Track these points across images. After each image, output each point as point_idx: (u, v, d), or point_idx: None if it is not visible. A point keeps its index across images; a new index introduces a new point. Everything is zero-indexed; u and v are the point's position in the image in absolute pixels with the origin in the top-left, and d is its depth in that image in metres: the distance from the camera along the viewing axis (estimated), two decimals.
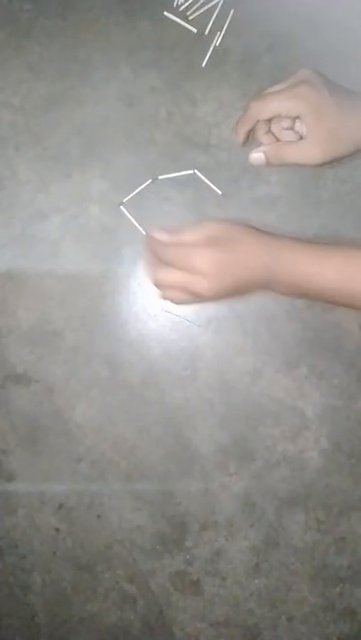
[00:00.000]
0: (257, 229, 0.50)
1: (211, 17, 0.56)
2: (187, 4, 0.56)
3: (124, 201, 0.58)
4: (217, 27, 0.56)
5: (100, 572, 0.61)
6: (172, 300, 0.52)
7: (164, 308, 0.59)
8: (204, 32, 0.56)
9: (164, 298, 0.51)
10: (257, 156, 0.51)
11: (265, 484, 0.59)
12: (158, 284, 0.51)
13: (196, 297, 0.50)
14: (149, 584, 0.61)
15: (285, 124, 0.50)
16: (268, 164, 0.51)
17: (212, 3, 0.56)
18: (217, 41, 0.56)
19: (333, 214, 0.57)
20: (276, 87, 0.49)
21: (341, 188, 0.57)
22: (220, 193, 0.57)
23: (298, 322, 0.58)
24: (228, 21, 0.56)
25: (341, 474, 0.59)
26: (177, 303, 0.52)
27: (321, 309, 0.56)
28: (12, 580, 0.62)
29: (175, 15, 0.56)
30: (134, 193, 0.57)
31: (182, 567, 0.61)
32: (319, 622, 0.60)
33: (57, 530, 0.61)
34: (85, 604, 0.62)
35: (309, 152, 0.49)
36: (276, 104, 0.48)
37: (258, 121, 0.49)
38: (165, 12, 0.56)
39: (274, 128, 0.50)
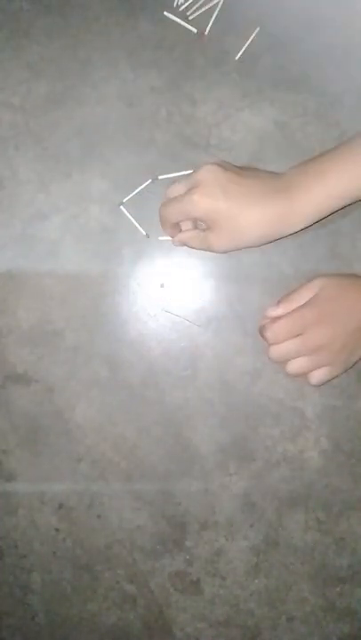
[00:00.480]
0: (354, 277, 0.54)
1: (211, 17, 0.56)
2: (187, 4, 0.56)
3: (124, 201, 0.58)
4: (217, 27, 0.56)
5: (100, 572, 0.61)
6: (301, 373, 0.54)
7: (164, 307, 0.59)
8: (204, 32, 0.56)
9: (295, 371, 0.54)
10: (174, 241, 0.55)
11: (265, 484, 0.59)
12: (284, 358, 0.53)
13: (319, 357, 0.52)
14: (149, 584, 0.61)
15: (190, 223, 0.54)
16: (180, 245, 0.55)
17: (212, 3, 0.56)
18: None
19: (333, 214, 0.57)
20: (178, 188, 0.52)
21: None
22: None
23: None
24: (217, 10, 0.56)
25: (341, 474, 0.59)
26: (300, 371, 0.54)
27: None
28: (12, 580, 0.62)
29: (175, 15, 0.56)
30: (134, 193, 0.57)
31: (182, 567, 0.61)
32: (319, 622, 0.60)
33: (57, 530, 0.61)
34: (85, 604, 0.62)
35: (212, 244, 0.52)
36: (175, 212, 0.52)
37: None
38: (165, 12, 0.56)
39: (182, 225, 0.55)
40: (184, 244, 0.54)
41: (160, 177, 0.57)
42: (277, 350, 0.53)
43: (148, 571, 0.61)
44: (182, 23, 0.56)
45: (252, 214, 0.49)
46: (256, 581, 0.60)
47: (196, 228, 0.54)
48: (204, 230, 0.52)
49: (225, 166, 0.51)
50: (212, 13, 0.56)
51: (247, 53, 0.56)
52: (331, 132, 0.56)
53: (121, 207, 0.58)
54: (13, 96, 0.58)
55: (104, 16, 0.57)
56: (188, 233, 0.53)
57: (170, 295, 0.59)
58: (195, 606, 0.61)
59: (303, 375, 0.54)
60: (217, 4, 0.56)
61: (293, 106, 0.56)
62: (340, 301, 0.52)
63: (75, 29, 0.58)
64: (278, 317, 0.52)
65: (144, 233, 0.58)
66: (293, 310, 0.52)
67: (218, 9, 0.56)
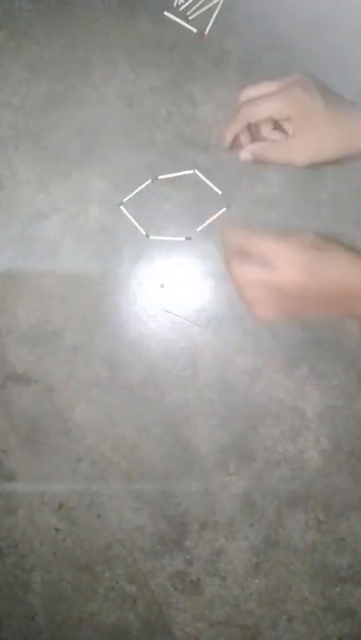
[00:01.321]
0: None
1: (211, 17, 0.56)
2: (187, 4, 0.56)
3: (124, 201, 0.58)
4: (217, 27, 0.56)
5: (100, 572, 0.61)
6: (254, 302, 0.49)
7: (164, 307, 0.59)
8: (204, 32, 0.56)
9: (244, 296, 0.48)
10: (244, 154, 0.50)
11: (265, 484, 0.59)
12: (243, 281, 0.48)
13: (281, 297, 0.48)
14: (149, 584, 0.61)
15: (271, 125, 0.50)
16: (255, 161, 0.51)
17: (212, 3, 0.56)
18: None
19: (333, 214, 0.57)
20: (268, 85, 0.49)
21: (341, 188, 0.57)
22: (220, 193, 0.57)
23: (298, 322, 0.58)
24: (217, 10, 0.56)
25: (341, 474, 0.59)
26: (258, 306, 0.50)
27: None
28: (12, 580, 0.62)
29: (175, 15, 0.56)
30: (134, 193, 0.57)
31: (182, 567, 0.61)
32: (319, 622, 0.60)
33: (57, 530, 0.61)
34: (85, 604, 0.62)
35: (294, 153, 0.49)
36: (266, 106, 0.48)
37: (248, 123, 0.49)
38: (165, 12, 0.56)
39: (262, 129, 0.50)
40: (257, 156, 0.51)
41: (160, 177, 0.57)
42: (247, 290, 0.48)
43: (148, 571, 0.61)
44: (182, 23, 0.56)
45: (341, 121, 0.48)
46: (256, 581, 0.60)
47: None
48: (285, 138, 0.50)
49: (312, 75, 0.49)
50: (212, 13, 0.56)
51: (247, 53, 0.56)
52: None
53: (121, 207, 0.58)
54: (13, 96, 0.58)
55: (104, 16, 0.57)
56: (266, 143, 0.50)
57: (170, 295, 0.59)
58: (195, 606, 0.61)
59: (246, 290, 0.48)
60: (217, 4, 0.56)
61: None
62: (329, 249, 0.49)
63: (75, 29, 0.58)
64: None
65: (144, 233, 0.58)
66: (275, 242, 0.46)
67: (218, 9, 0.56)
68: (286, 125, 0.49)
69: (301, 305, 0.49)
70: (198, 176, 0.57)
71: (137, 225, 0.58)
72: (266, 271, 0.47)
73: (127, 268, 0.59)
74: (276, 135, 0.50)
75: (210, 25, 0.56)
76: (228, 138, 0.50)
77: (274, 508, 0.59)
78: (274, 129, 0.50)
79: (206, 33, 0.56)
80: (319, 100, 0.47)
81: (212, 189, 0.57)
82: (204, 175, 0.57)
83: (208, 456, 0.59)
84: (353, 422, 0.58)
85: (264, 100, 0.48)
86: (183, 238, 0.57)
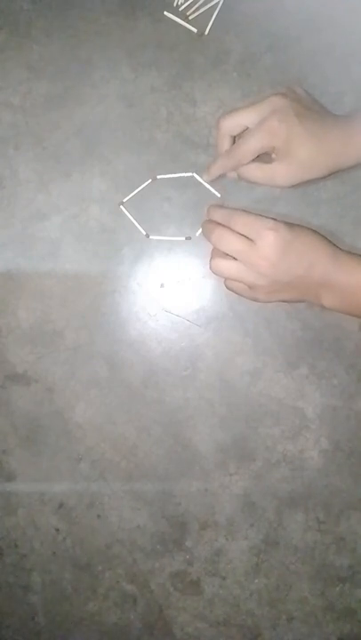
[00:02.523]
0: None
1: (211, 17, 0.56)
2: (187, 3, 0.56)
3: (124, 201, 0.58)
4: (217, 27, 0.56)
5: (100, 572, 0.61)
6: (220, 272, 0.52)
7: (164, 307, 0.59)
8: (203, 32, 0.56)
9: (216, 268, 0.52)
10: (231, 174, 0.54)
11: (265, 484, 0.59)
12: (218, 245, 0.51)
13: (250, 271, 0.51)
14: (149, 584, 0.61)
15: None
16: (241, 179, 0.54)
17: (212, 3, 0.56)
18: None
19: (333, 214, 0.57)
20: (246, 113, 0.51)
21: (341, 188, 0.57)
22: (218, 196, 0.57)
23: (298, 322, 0.58)
24: (217, 10, 0.56)
25: (341, 474, 0.59)
26: (229, 280, 0.53)
27: (321, 309, 0.56)
28: (12, 580, 0.62)
29: (175, 15, 0.56)
30: (134, 193, 0.57)
31: (182, 567, 0.61)
32: (319, 622, 0.60)
33: (57, 530, 0.61)
34: (85, 604, 0.62)
35: (278, 178, 0.51)
36: (250, 149, 0.50)
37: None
38: (165, 12, 0.56)
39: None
40: (243, 178, 0.53)
41: (159, 177, 0.57)
42: (218, 262, 0.52)
43: (148, 571, 0.61)
44: (182, 23, 0.56)
45: (323, 142, 0.49)
46: (256, 581, 0.60)
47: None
48: (269, 162, 0.51)
49: (290, 95, 0.50)
50: (212, 13, 0.56)
51: (247, 53, 0.56)
52: None
53: (121, 207, 0.58)
54: (13, 96, 0.58)
55: (104, 16, 0.57)
56: (251, 165, 0.52)
57: (170, 295, 0.59)
58: (195, 606, 0.61)
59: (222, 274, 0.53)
60: (217, 3, 0.56)
61: None
62: (301, 240, 0.50)
63: (75, 29, 0.58)
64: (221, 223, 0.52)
65: (144, 233, 0.58)
66: (262, 222, 0.50)
67: (218, 9, 0.56)
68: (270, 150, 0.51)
69: (268, 285, 0.51)
70: (197, 179, 0.57)
71: (137, 225, 0.58)
72: (246, 242, 0.50)
73: (127, 267, 0.59)
74: (262, 156, 0.52)
75: (210, 25, 0.56)
76: (214, 174, 0.54)
77: (274, 507, 0.59)
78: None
79: (206, 33, 0.56)
80: (298, 126, 0.49)
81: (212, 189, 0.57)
82: (203, 175, 0.57)
83: (208, 456, 0.59)
84: (353, 422, 0.58)
85: (247, 142, 0.50)
86: (183, 238, 0.57)
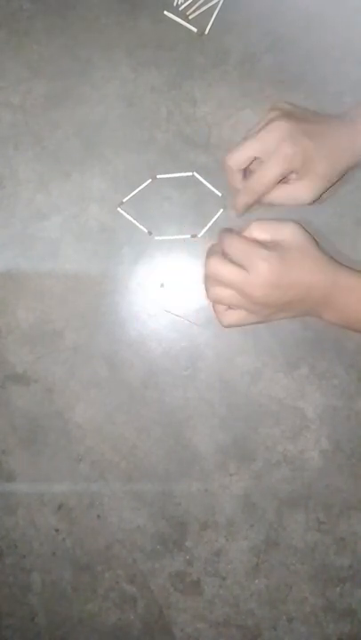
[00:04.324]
0: (319, 247, 0.52)
1: (211, 17, 0.56)
2: (187, 3, 0.56)
3: (124, 201, 0.58)
4: (217, 26, 0.56)
5: (100, 572, 0.61)
6: (217, 300, 0.53)
7: (164, 307, 0.59)
8: (203, 32, 0.56)
9: (212, 296, 0.53)
10: (256, 206, 0.54)
11: (265, 484, 0.59)
12: (212, 273, 0.52)
13: (245, 300, 0.51)
14: (149, 584, 0.61)
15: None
16: (263, 205, 0.54)
17: (212, 2, 0.56)
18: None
19: (334, 214, 0.57)
20: (252, 145, 0.51)
21: (341, 188, 0.57)
22: (219, 195, 0.57)
23: (298, 322, 0.58)
24: (217, 10, 0.56)
25: (342, 474, 0.59)
26: (221, 304, 0.53)
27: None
28: (12, 580, 0.62)
29: (175, 15, 0.56)
30: (134, 193, 0.57)
31: (182, 567, 0.61)
32: (319, 622, 0.60)
33: (57, 530, 0.61)
34: (85, 604, 0.62)
35: (303, 194, 0.52)
36: (271, 178, 0.50)
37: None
38: (165, 12, 0.56)
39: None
40: (270, 202, 0.53)
41: (159, 176, 0.57)
42: (214, 288, 0.52)
43: (148, 571, 0.61)
44: (182, 23, 0.56)
45: (335, 146, 0.50)
46: (256, 581, 0.60)
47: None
48: (287, 182, 0.51)
49: (285, 114, 0.51)
50: (212, 13, 0.56)
51: (247, 53, 0.56)
52: None
53: (121, 207, 0.58)
54: (13, 96, 0.58)
55: (104, 16, 0.57)
56: (276, 190, 0.52)
57: (170, 295, 0.59)
58: (195, 606, 0.61)
59: (217, 304, 0.54)
60: (217, 3, 0.56)
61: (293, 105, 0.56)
62: (298, 265, 0.50)
63: (75, 29, 0.58)
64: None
65: (146, 231, 0.58)
66: (256, 250, 0.50)
67: (218, 9, 0.56)
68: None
69: (266, 310, 0.52)
70: (197, 178, 0.57)
71: (137, 224, 0.58)
72: (239, 273, 0.50)
73: (127, 267, 0.58)
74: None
75: (210, 25, 0.56)
76: (243, 211, 0.54)
77: (274, 508, 0.59)
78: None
79: (206, 33, 0.56)
80: (310, 144, 0.49)
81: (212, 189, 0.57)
82: (204, 175, 0.57)
83: (208, 456, 0.59)
84: (353, 422, 0.58)
85: (267, 175, 0.50)
86: (189, 236, 0.57)
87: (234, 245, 0.50)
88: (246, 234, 0.51)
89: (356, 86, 0.55)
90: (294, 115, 0.51)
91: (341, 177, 0.52)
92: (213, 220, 0.57)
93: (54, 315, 0.59)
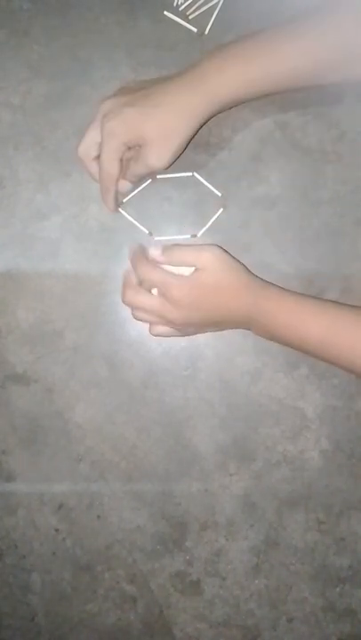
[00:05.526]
0: (246, 270, 0.53)
1: (211, 17, 0.56)
2: (187, 3, 0.56)
3: (124, 201, 0.58)
4: (217, 26, 0.56)
5: (100, 572, 0.61)
6: (143, 320, 0.55)
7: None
8: (203, 32, 0.56)
9: (136, 317, 0.55)
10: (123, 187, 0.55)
11: (265, 484, 0.59)
12: (129, 304, 0.54)
13: (168, 322, 0.53)
14: (149, 584, 0.61)
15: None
16: (133, 183, 0.56)
17: (212, 2, 0.56)
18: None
19: (333, 214, 0.57)
20: (90, 128, 0.52)
21: (341, 188, 0.57)
22: (219, 195, 0.57)
23: None
24: (217, 10, 0.56)
25: (342, 474, 0.59)
26: (149, 324, 0.56)
27: None
28: (12, 581, 0.62)
29: (175, 15, 0.56)
30: (134, 193, 0.57)
31: (182, 567, 0.61)
32: (319, 622, 0.60)
33: (57, 530, 0.61)
34: (85, 604, 0.62)
35: (150, 160, 0.51)
36: (104, 156, 0.51)
37: None
38: (165, 12, 0.56)
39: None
40: (132, 177, 0.54)
41: (159, 176, 0.57)
42: (136, 311, 0.54)
43: (148, 571, 0.61)
44: (182, 23, 0.56)
45: (169, 106, 0.49)
46: (256, 582, 0.60)
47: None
48: (137, 153, 0.51)
49: (116, 93, 0.51)
50: (212, 13, 0.56)
51: None
52: (331, 131, 0.56)
53: (121, 207, 0.58)
54: (13, 96, 0.58)
55: (104, 16, 0.57)
56: (131, 167, 0.52)
57: None
58: (195, 606, 0.61)
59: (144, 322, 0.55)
60: (217, 3, 0.56)
61: (293, 106, 0.56)
62: (216, 292, 0.51)
63: (75, 29, 0.57)
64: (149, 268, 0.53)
65: (146, 232, 0.58)
66: (169, 280, 0.51)
67: (218, 9, 0.56)
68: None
69: (190, 328, 0.54)
70: (197, 178, 0.57)
71: (137, 224, 0.58)
72: (156, 301, 0.52)
73: (127, 267, 0.58)
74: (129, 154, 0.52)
75: (210, 25, 0.56)
76: (111, 202, 0.55)
77: (274, 508, 0.59)
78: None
79: (206, 33, 0.56)
80: (128, 112, 0.49)
81: (212, 189, 0.57)
82: (204, 175, 0.57)
83: (208, 456, 0.59)
84: (353, 422, 0.58)
85: (102, 155, 0.51)
86: (189, 236, 0.57)
87: (148, 275, 0.52)
88: (166, 258, 0.52)
89: (356, 87, 0.55)
90: (126, 89, 0.51)
91: (195, 132, 0.51)
92: (213, 219, 0.57)
93: (54, 315, 0.59)
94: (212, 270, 0.51)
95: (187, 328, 0.54)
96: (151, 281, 0.52)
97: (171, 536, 0.60)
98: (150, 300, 0.53)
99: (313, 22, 0.47)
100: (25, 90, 0.58)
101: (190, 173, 0.57)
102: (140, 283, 0.53)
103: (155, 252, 0.53)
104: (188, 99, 0.49)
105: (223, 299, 0.51)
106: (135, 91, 0.50)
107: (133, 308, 0.54)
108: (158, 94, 0.49)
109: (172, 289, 0.50)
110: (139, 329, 0.59)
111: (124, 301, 0.54)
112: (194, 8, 0.56)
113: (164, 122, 0.49)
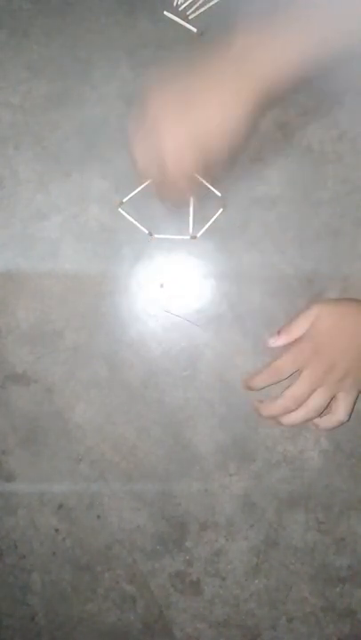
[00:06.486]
0: (351, 304, 0.55)
1: (211, 17, 0.56)
2: (187, 3, 0.56)
3: (124, 201, 0.58)
4: (217, 26, 0.56)
5: (100, 572, 0.61)
6: (307, 416, 0.55)
7: (164, 307, 0.59)
8: (204, 32, 0.56)
9: (293, 422, 0.56)
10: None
11: (265, 484, 0.59)
12: (294, 399, 0.55)
13: (333, 384, 0.54)
14: (149, 584, 0.61)
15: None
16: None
17: (212, 2, 0.56)
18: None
19: (333, 214, 0.57)
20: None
21: (341, 188, 0.57)
22: (219, 195, 0.57)
23: None
24: (217, 10, 0.56)
25: (341, 474, 0.59)
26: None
27: None
28: (12, 581, 0.62)
29: (175, 15, 0.56)
30: (134, 193, 0.57)
31: (182, 567, 0.61)
32: (319, 622, 0.60)
33: (57, 530, 0.61)
34: (85, 604, 0.62)
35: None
36: (146, 147, 0.49)
37: None
38: (165, 12, 0.56)
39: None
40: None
41: None
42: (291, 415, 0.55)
43: (148, 571, 0.61)
44: (182, 23, 0.56)
45: (221, 110, 0.44)
46: (256, 582, 0.60)
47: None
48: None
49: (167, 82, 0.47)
50: (213, 13, 0.56)
51: None
52: (331, 132, 0.56)
53: (121, 207, 0.58)
54: (13, 96, 0.58)
55: (104, 16, 0.57)
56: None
57: (170, 295, 0.59)
58: (195, 606, 0.61)
59: (316, 416, 0.55)
60: (217, 3, 0.56)
61: (293, 106, 0.56)
62: (338, 329, 0.52)
63: (75, 29, 0.57)
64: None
65: (146, 232, 0.58)
66: (291, 345, 0.54)
67: (218, 9, 0.56)
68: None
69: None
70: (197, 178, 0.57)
71: (137, 225, 0.58)
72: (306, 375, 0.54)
73: (127, 267, 0.58)
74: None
75: (210, 25, 0.56)
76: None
77: (274, 508, 0.59)
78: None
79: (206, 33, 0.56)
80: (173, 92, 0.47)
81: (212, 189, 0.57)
82: None
83: (208, 456, 0.59)
84: (353, 422, 0.58)
85: (144, 139, 0.49)
86: (188, 236, 0.57)
87: (285, 361, 0.54)
88: (286, 336, 0.54)
89: (356, 87, 0.55)
90: (161, 92, 0.47)
91: (252, 127, 0.47)
92: (213, 219, 0.57)
93: (54, 315, 0.59)
94: (322, 322, 0.53)
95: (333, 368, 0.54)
96: (290, 364, 0.54)
97: (171, 536, 0.60)
98: (301, 382, 0.54)
99: None
100: (25, 90, 0.58)
101: None
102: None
103: (273, 340, 0.55)
104: (233, 87, 0.43)
105: (344, 340, 0.53)
106: (173, 95, 0.46)
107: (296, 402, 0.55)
108: (200, 93, 0.45)
109: (304, 344, 0.53)
110: (139, 329, 0.59)
111: (285, 405, 0.55)
112: (194, 8, 0.56)
113: (217, 131, 0.45)
